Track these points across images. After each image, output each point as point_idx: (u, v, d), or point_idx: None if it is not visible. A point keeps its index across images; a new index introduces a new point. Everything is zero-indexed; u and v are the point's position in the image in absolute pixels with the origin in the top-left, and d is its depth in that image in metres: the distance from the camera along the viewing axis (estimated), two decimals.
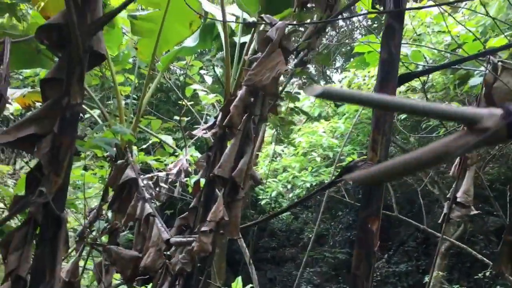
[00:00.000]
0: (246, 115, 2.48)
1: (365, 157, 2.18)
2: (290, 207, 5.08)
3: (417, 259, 16.67)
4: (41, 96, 2.24)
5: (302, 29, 2.90)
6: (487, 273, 11.03)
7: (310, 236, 17.09)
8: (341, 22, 16.92)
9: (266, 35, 2.38)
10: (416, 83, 8.33)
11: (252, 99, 2.45)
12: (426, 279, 12.49)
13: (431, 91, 8.84)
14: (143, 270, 3.10)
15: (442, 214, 3.47)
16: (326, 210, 18.61)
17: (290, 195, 17.96)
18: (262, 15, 2.53)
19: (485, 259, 8.69)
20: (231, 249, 16.20)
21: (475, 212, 3.34)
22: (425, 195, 13.59)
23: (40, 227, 2.19)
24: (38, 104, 4.69)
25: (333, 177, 2.27)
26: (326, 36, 16.17)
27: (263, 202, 9.81)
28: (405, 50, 4.70)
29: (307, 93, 0.36)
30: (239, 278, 8.15)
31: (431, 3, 5.59)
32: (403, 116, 8.93)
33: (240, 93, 2.48)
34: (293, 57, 3.19)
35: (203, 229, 2.42)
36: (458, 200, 3.36)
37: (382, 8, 2.42)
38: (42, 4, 2.97)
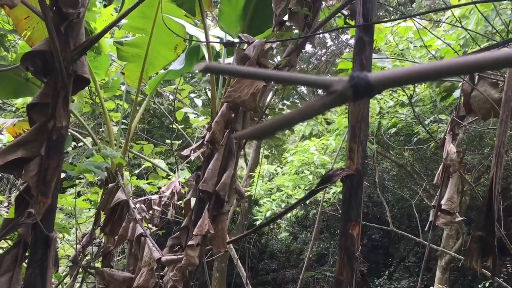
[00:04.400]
0: (227, 130, 2.56)
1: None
2: (275, 218, 5.12)
3: (418, 275, 16.54)
4: (28, 120, 2.32)
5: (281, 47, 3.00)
6: (487, 285, 10.99)
7: (310, 256, 17.02)
8: (329, 42, 17.19)
9: (244, 53, 2.48)
10: (404, 97, 8.47)
11: (233, 115, 2.54)
12: None
13: (419, 105, 8.98)
14: None
15: (428, 222, 3.53)
16: (325, 229, 18.54)
17: (288, 215, 17.92)
18: (240, 35, 2.64)
19: (485, 271, 8.71)
20: (231, 273, 16.07)
21: (460, 218, 3.41)
22: (422, 209, 13.62)
23: (29, 248, 2.24)
24: None
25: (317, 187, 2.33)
26: (316, 56, 16.41)
27: (259, 222, 9.81)
28: (387, 64, 4.83)
29: (195, 68, 0.43)
30: None
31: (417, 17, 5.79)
32: (393, 130, 9.04)
33: (221, 109, 2.57)
34: None
35: (189, 243, 2.47)
36: (443, 207, 3.42)
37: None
38: (28, 33, 3.07)
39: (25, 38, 3.18)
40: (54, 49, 2.13)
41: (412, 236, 8.73)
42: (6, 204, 6.92)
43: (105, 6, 2.47)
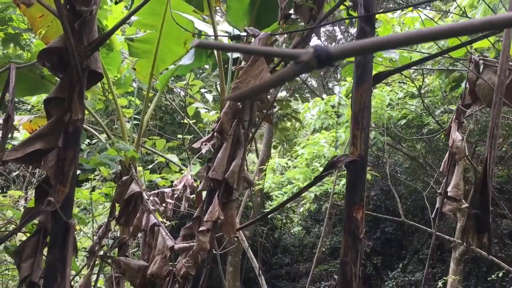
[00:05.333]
0: (235, 120, 2.66)
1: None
2: (284, 203, 5.20)
3: (432, 267, 16.53)
4: (46, 114, 2.44)
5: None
6: (500, 274, 10.95)
7: (323, 249, 17.08)
8: (339, 35, 17.19)
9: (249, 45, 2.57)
10: (413, 89, 8.48)
11: (240, 105, 2.63)
12: (440, 284, 12.41)
13: (429, 96, 8.98)
14: (150, 278, 3.24)
15: (435, 209, 3.59)
16: (338, 222, 18.58)
17: (301, 209, 17.96)
18: (246, 28, 2.72)
19: (500, 262, 8.68)
20: (245, 268, 16.21)
21: (466, 205, 3.46)
22: (435, 202, 13.62)
23: (50, 234, 2.36)
24: None
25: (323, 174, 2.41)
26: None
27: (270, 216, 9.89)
28: (393, 55, 4.88)
29: (190, 45, 0.51)
30: None
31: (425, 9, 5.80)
32: (403, 122, 9.06)
33: (229, 101, 2.66)
34: (282, 67, 3.36)
35: (200, 229, 2.57)
36: (449, 194, 3.48)
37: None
38: (43, 32, 3.19)
39: (40, 36, 3.30)
40: (69, 45, 2.25)
41: (423, 227, 8.76)
42: (23, 200, 7.11)
43: (116, 3, 2.57)
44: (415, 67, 5.33)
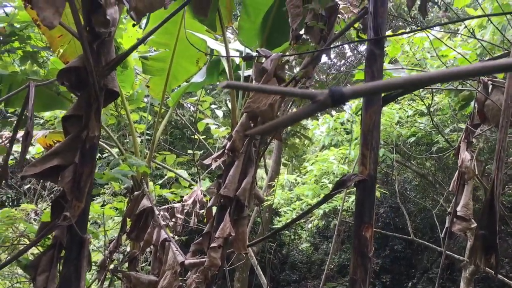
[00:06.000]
0: (247, 139, 2.72)
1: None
2: (294, 221, 5.22)
3: (442, 286, 16.32)
4: (63, 131, 2.52)
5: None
6: None
7: (331, 266, 16.95)
8: (349, 53, 17.31)
9: (261, 66, 2.64)
10: (422, 107, 8.51)
11: (252, 124, 2.69)
12: None
13: (439, 114, 9.00)
14: None
15: (444, 228, 3.60)
16: (347, 240, 18.46)
17: (309, 225, 17.92)
18: (258, 49, 2.80)
19: (511, 282, 8.57)
20: (252, 284, 16.12)
21: (475, 225, 3.47)
22: (445, 220, 13.52)
23: (65, 248, 2.42)
24: None
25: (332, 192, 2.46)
26: (335, 66, 16.54)
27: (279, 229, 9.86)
28: (403, 75, 4.93)
29: (219, 86, 0.57)
30: None
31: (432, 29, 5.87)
32: (412, 139, 9.07)
33: (241, 120, 2.73)
34: (293, 85, 3.43)
35: (212, 245, 2.62)
36: (459, 214, 3.49)
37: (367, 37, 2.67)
38: (61, 50, 3.30)
39: (58, 55, 3.40)
40: (88, 65, 2.33)
41: (433, 246, 8.70)
42: (33, 213, 7.19)
43: (133, 25, 2.67)
44: (422, 88, 5.38)
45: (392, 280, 16.83)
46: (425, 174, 13.65)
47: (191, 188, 6.62)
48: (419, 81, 0.51)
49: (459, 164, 3.67)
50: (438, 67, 6.67)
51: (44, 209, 7.28)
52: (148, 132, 5.99)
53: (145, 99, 6.05)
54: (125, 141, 7.59)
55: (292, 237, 20.40)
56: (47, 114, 6.73)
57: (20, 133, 3.91)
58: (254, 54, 3.86)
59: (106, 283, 4.36)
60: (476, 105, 3.77)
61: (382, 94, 2.44)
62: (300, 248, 21.25)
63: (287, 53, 2.89)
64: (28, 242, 4.79)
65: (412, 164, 13.40)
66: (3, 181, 2.80)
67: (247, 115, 2.68)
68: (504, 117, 1.83)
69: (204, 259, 3.04)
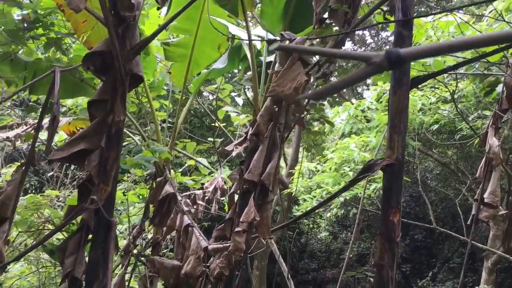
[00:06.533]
0: (271, 123, 2.70)
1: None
2: (316, 208, 5.21)
3: (463, 276, 16.12)
4: (89, 116, 2.53)
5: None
6: None
7: (351, 255, 16.93)
8: (369, 39, 17.07)
9: None
10: (447, 93, 8.35)
11: (276, 108, 2.67)
12: None
13: (463, 101, 8.82)
14: (184, 277, 3.30)
15: (471, 215, 3.54)
16: (366, 229, 18.36)
17: (328, 214, 17.89)
18: (283, 32, 2.77)
19: None
20: (271, 272, 16.21)
21: (503, 212, 3.40)
22: (467, 209, 13.32)
23: (92, 232, 2.45)
24: None
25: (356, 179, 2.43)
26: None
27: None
28: (428, 59, 4.84)
29: (270, 48, 0.55)
30: None
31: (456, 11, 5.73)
32: (435, 127, 8.92)
33: (265, 104, 2.71)
34: (316, 70, 3.39)
35: (236, 229, 2.62)
36: (486, 200, 3.43)
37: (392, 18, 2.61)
38: (86, 36, 3.31)
39: (82, 41, 3.42)
40: (113, 49, 2.33)
41: (456, 234, 8.59)
42: (58, 199, 7.31)
43: (158, 8, 2.66)
44: (450, 72, 5.28)
45: (412, 270, 16.71)
46: (447, 162, 13.46)
47: (211, 176, 6.64)
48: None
49: (486, 150, 3.59)
50: (462, 52, 6.51)
51: (68, 195, 7.41)
52: (169, 120, 6.01)
53: (165, 87, 6.05)
54: (146, 129, 7.64)
55: (311, 226, 20.40)
56: (69, 102, 6.81)
57: (45, 120, 3.97)
58: (278, 38, 3.82)
59: (130, 268, 4.41)
60: (504, 89, 3.67)
61: (410, 77, 2.39)
62: (318, 237, 21.24)
63: (312, 37, 2.84)
64: (52, 228, 4.87)
65: (433, 153, 13.21)
66: (30, 167, 2.84)
67: (272, 99, 2.66)
68: None
69: (227, 244, 3.05)
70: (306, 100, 3.44)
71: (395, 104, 2.25)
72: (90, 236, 2.49)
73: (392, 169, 2.22)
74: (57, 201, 7.04)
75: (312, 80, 3.17)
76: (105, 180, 2.33)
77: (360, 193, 7.41)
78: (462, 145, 11.17)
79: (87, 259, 2.50)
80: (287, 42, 2.68)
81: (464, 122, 8.30)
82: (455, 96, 8.02)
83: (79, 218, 2.81)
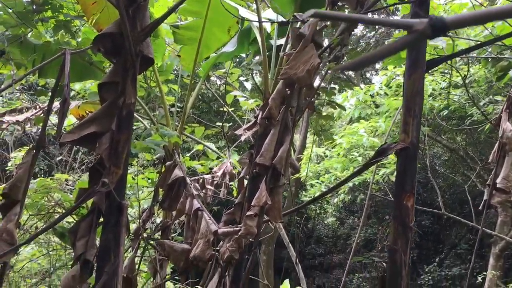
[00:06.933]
0: (283, 106, 2.66)
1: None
2: (326, 193, 5.19)
3: (470, 261, 16.11)
4: (99, 98, 2.51)
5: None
6: None
7: (358, 241, 16.97)
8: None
9: (299, 31, 2.56)
10: (457, 78, 8.24)
11: (288, 91, 2.63)
12: (480, 279, 12.12)
13: (474, 86, 8.72)
14: (193, 260, 3.30)
15: (483, 201, 3.51)
16: (373, 214, 18.36)
17: (335, 200, 17.89)
18: (295, 14, 2.71)
19: None
20: (278, 257, 16.31)
21: None
22: (476, 196, 13.25)
23: (103, 214, 2.44)
24: None
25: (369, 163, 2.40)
26: (365, 38, 16.16)
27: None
28: (440, 43, 4.75)
29: (303, 17, 0.52)
30: (287, 280, 8.24)
31: None
32: (445, 112, 8.83)
33: (277, 87, 2.67)
34: (328, 53, 3.34)
35: (248, 213, 2.60)
36: (498, 186, 3.39)
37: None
38: (95, 18, 3.28)
39: (92, 23, 3.39)
40: (124, 30, 2.30)
41: (464, 220, 8.53)
42: (68, 183, 7.35)
43: None
44: (463, 56, 5.19)
45: (419, 255, 16.72)
46: (455, 148, 13.36)
47: (219, 161, 6.63)
48: None
49: (500, 135, 3.53)
50: (475, 36, 6.41)
51: (77, 179, 7.43)
52: (178, 104, 5.98)
53: (173, 72, 6.01)
54: (155, 113, 7.63)
55: (318, 211, 20.44)
56: (76, 87, 6.79)
57: (55, 103, 3.95)
58: (289, 21, 3.76)
59: (139, 252, 4.44)
60: None
61: (426, 59, 2.33)
62: (325, 222, 21.29)
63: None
64: (62, 211, 4.90)
65: (442, 139, 13.12)
66: (40, 150, 2.83)
67: (284, 82, 2.62)
68: None
69: (237, 228, 3.04)
70: (318, 83, 3.40)
71: (411, 87, 2.21)
72: (102, 219, 2.49)
73: (406, 153, 2.19)
74: (66, 185, 7.08)
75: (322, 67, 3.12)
76: (116, 163, 2.32)
77: (369, 178, 7.39)
78: (471, 131, 11.08)
79: (98, 242, 2.50)
80: (299, 24, 2.63)
81: (475, 107, 8.21)
82: (466, 81, 7.92)
83: (89, 202, 2.82)
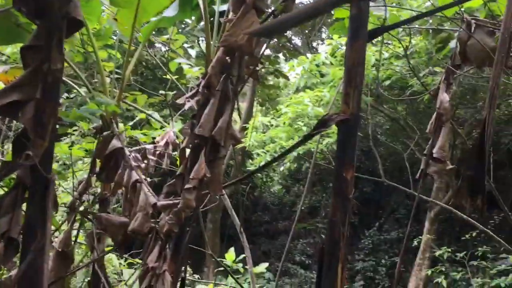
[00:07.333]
0: (223, 75, 2.56)
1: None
2: (270, 163, 5.20)
3: (407, 226, 16.93)
4: (22, 63, 2.30)
5: None
6: (474, 234, 11.31)
7: (302, 208, 17.35)
8: None
9: None
10: (399, 49, 8.40)
11: (229, 60, 2.53)
12: (415, 243, 12.78)
13: (415, 57, 8.93)
14: (131, 234, 3.20)
15: (419, 170, 3.59)
16: (318, 182, 18.79)
17: (281, 168, 18.08)
18: None
19: (475, 222, 8.93)
20: (225, 225, 16.42)
21: (451, 166, 3.47)
22: (414, 163, 13.82)
23: (28, 189, 2.28)
24: None
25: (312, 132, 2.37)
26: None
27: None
28: (383, 13, 4.76)
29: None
30: (232, 249, 8.30)
31: None
32: (387, 83, 9.04)
33: (217, 54, 2.56)
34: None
35: (186, 186, 2.52)
36: (434, 155, 3.48)
37: None
38: None
39: None
40: None
41: (403, 187, 8.88)
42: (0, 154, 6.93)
43: None
44: (404, 26, 5.26)
45: (360, 221, 17.39)
46: (396, 118, 13.78)
47: (163, 130, 6.45)
48: None
49: (437, 106, 3.61)
50: (418, 6, 6.51)
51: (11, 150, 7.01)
52: (117, 71, 5.70)
53: (114, 37, 5.70)
54: (94, 80, 7.27)
55: (264, 179, 20.68)
56: (8, 51, 6.33)
57: None
58: None
59: (76, 225, 4.26)
60: (458, 44, 3.67)
61: (368, 29, 2.29)
62: (272, 190, 21.61)
63: None
64: None
65: (384, 108, 13.48)
66: None
67: (224, 50, 2.51)
68: (500, 52, 1.73)
69: (177, 201, 2.95)
70: (261, 52, 3.30)
71: (352, 57, 2.16)
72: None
73: (347, 124, 2.16)
74: (0, 155, 6.67)
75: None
76: (41, 135, 2.14)
77: (313, 148, 7.47)
78: (411, 101, 11.43)
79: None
80: None
81: (415, 78, 8.43)
82: (408, 52, 8.09)
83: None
